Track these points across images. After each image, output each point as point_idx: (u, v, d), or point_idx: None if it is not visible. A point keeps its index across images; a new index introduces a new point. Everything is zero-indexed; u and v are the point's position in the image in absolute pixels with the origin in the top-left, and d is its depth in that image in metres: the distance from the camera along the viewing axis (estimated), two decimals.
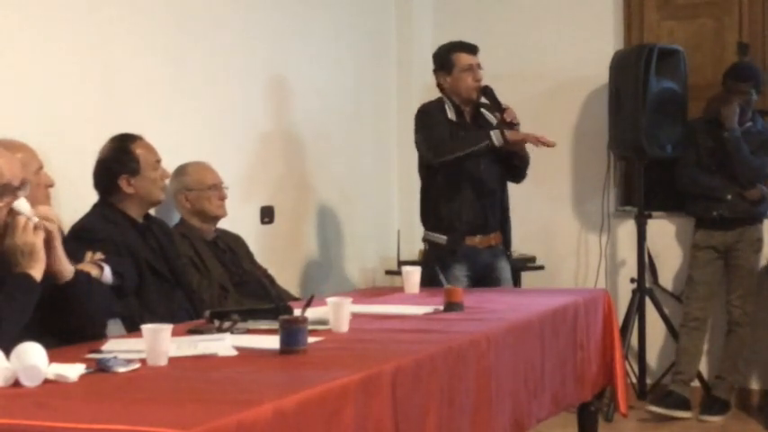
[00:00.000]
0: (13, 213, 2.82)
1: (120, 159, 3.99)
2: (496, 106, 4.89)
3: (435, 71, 5.05)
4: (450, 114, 4.96)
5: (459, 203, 4.91)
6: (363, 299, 3.93)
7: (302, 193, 5.64)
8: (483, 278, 4.97)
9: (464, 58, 4.97)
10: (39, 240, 2.82)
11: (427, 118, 4.98)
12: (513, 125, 4.83)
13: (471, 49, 5.01)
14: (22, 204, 2.84)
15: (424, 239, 5.08)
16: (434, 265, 4.66)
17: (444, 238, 4.93)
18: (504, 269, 5.08)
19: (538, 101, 6.18)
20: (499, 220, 5.04)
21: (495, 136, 4.77)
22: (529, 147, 4.96)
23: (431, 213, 5.02)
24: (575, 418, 4.38)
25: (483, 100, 4.98)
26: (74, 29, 4.18)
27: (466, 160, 4.83)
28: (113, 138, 4.04)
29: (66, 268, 2.94)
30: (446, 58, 5.00)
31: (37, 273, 2.81)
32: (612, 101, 5.86)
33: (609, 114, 5.91)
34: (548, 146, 4.83)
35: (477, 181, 4.91)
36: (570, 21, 6.26)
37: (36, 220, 2.83)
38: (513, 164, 5.01)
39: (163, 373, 2.50)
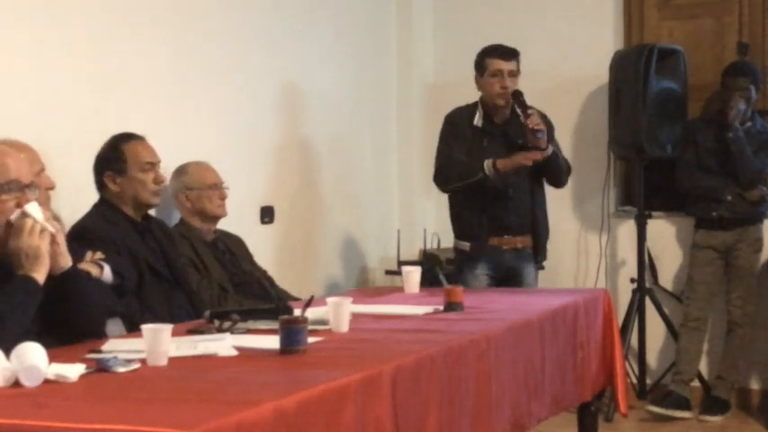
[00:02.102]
0: (23, 215, 2.84)
1: (107, 157, 4.02)
2: (523, 111, 4.88)
3: (475, 73, 5.09)
4: (477, 120, 4.99)
5: (481, 208, 4.95)
6: (363, 299, 3.93)
7: (302, 192, 5.64)
8: (507, 280, 5.03)
9: (494, 63, 4.97)
10: (44, 244, 2.84)
11: (446, 132, 5.05)
12: (535, 132, 4.81)
13: (505, 55, 4.99)
14: (33, 207, 2.85)
15: (454, 248, 5.17)
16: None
17: (468, 245, 5.00)
18: (529, 274, 5.11)
19: (538, 101, 6.16)
20: (529, 225, 5.06)
21: (487, 167, 4.83)
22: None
23: (456, 220, 5.11)
24: (575, 418, 4.38)
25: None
26: (75, 29, 4.18)
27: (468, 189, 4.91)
28: (112, 136, 4.06)
29: (64, 259, 2.94)
30: (480, 61, 5.04)
31: (39, 276, 2.83)
32: (612, 101, 5.86)
33: (609, 114, 5.91)
34: (537, 155, 4.84)
35: (500, 184, 4.90)
36: (570, 21, 6.25)
37: (50, 229, 2.84)
38: (545, 168, 5.01)
39: (163, 373, 2.50)
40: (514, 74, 4.99)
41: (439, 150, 5.05)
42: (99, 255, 3.67)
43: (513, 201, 4.98)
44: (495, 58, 4.99)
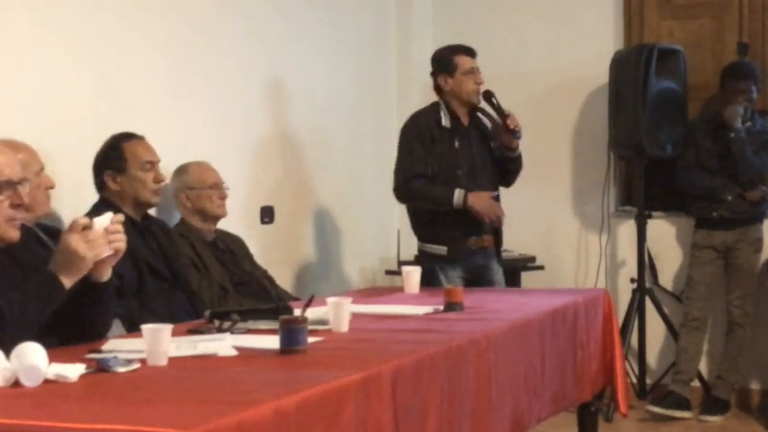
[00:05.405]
0: (107, 228, 2.78)
1: (107, 156, 4.03)
2: (499, 112, 4.85)
3: (434, 73, 5.00)
4: (445, 121, 4.90)
5: (454, 210, 4.83)
6: (363, 299, 3.93)
7: (302, 192, 5.64)
8: (477, 280, 4.95)
9: (466, 62, 4.94)
10: (91, 258, 2.76)
11: (408, 140, 4.92)
12: (514, 132, 4.80)
13: (472, 53, 4.99)
14: (118, 225, 2.80)
15: (420, 251, 5.02)
16: (434, 266, 4.69)
17: (444, 248, 4.88)
18: (498, 271, 5.07)
19: (538, 101, 6.18)
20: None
21: (456, 197, 4.77)
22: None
23: (422, 224, 4.98)
24: (575, 418, 4.38)
25: (484, 104, 4.95)
26: (74, 29, 4.18)
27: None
28: (112, 135, 4.07)
29: (101, 274, 2.88)
30: (448, 61, 4.95)
31: (68, 283, 2.77)
32: (612, 101, 5.86)
33: (609, 114, 5.91)
34: (496, 222, 4.87)
35: (470, 185, 4.85)
36: (570, 21, 6.26)
37: (105, 253, 2.79)
38: (507, 168, 5.01)
39: (163, 373, 2.50)
40: (479, 71, 4.96)
41: (400, 161, 4.92)
42: None
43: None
44: (465, 56, 4.95)
